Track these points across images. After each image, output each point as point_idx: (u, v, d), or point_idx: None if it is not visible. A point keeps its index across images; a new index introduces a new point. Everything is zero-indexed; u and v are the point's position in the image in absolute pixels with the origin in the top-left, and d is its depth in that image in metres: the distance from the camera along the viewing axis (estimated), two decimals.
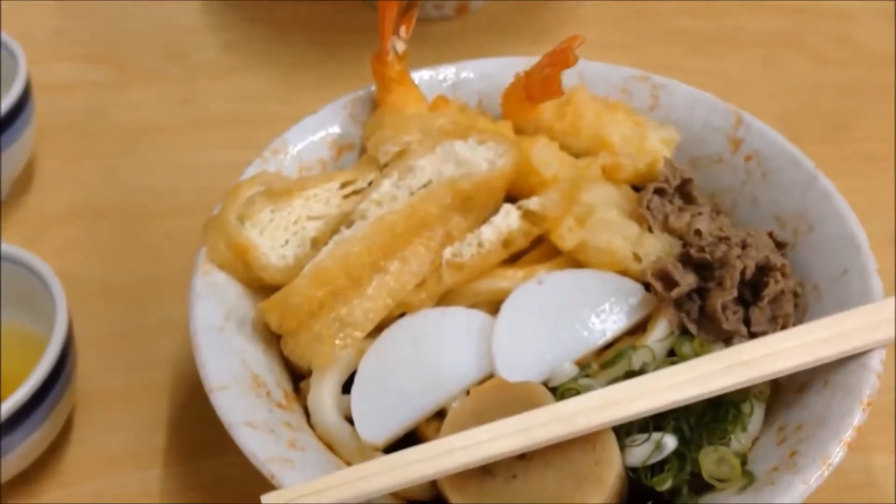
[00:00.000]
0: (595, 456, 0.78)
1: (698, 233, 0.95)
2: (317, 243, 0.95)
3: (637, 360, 0.86)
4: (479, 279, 0.93)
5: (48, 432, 0.95)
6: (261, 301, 0.91)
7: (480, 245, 0.92)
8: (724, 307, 0.88)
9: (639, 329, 0.92)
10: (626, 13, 1.61)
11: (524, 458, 0.79)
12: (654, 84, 1.11)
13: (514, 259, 0.96)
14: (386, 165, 0.99)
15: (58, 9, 1.59)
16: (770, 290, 0.90)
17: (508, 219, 0.94)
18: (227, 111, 1.43)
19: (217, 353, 0.86)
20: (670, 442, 0.81)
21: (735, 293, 0.89)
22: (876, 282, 0.89)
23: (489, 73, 1.13)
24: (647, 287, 0.92)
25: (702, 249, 0.91)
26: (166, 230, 1.23)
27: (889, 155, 1.36)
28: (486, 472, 0.79)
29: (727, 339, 0.89)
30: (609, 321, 0.90)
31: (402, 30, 1.07)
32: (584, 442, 0.78)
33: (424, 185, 0.94)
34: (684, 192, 1.00)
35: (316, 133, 1.06)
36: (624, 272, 0.93)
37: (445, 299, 0.93)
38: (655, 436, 0.81)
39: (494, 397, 0.83)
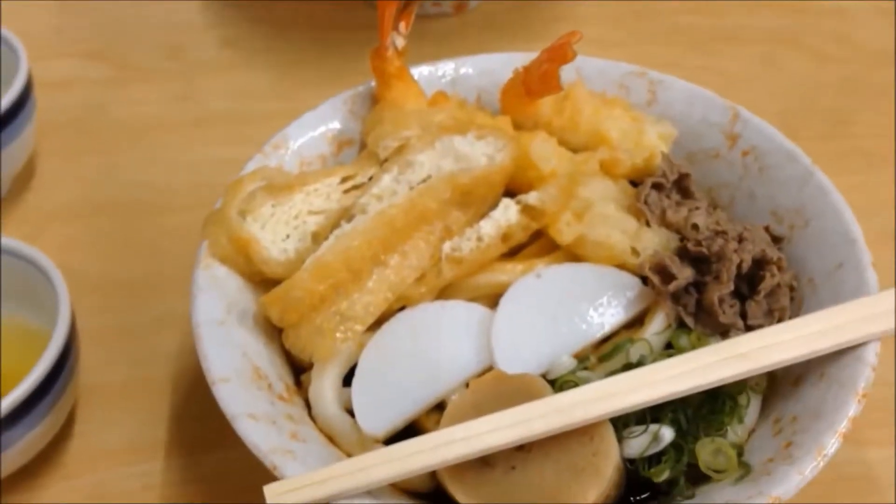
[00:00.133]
0: (593, 447, 0.79)
1: (695, 227, 0.95)
2: (317, 237, 0.95)
3: (635, 352, 0.87)
4: (478, 273, 0.94)
5: (51, 426, 0.95)
6: (262, 295, 0.91)
7: (480, 239, 0.93)
8: (721, 300, 0.89)
9: (636, 322, 0.92)
10: (626, 11, 1.62)
11: (523, 450, 0.79)
12: (651, 80, 1.12)
13: (512, 253, 0.97)
14: (386, 160, 0.99)
15: (57, 6, 1.60)
16: (766, 284, 0.90)
17: (507, 213, 0.94)
18: (226, 108, 1.43)
19: (218, 346, 0.86)
20: (667, 433, 0.81)
21: (732, 287, 0.89)
22: (871, 275, 0.89)
23: (488, 68, 1.13)
24: (645, 281, 0.92)
25: (699, 243, 0.92)
26: (166, 226, 1.24)
27: (888, 152, 1.36)
28: (485, 463, 0.79)
29: (724, 332, 0.89)
30: (607, 314, 0.91)
31: (402, 26, 1.07)
32: (582, 433, 0.79)
33: (424, 180, 0.95)
34: (682, 186, 1.01)
35: (316, 128, 1.07)
36: (622, 266, 0.94)
37: (445, 293, 0.94)
38: (653, 427, 0.81)
39: (493, 389, 0.83)
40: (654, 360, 0.84)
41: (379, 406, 0.87)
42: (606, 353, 0.88)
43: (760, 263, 0.91)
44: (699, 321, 0.90)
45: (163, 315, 1.13)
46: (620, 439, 0.81)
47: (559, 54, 0.99)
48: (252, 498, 0.79)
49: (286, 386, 0.90)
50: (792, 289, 0.93)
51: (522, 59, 1.06)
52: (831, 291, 0.91)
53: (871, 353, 0.83)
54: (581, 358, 0.88)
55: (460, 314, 0.91)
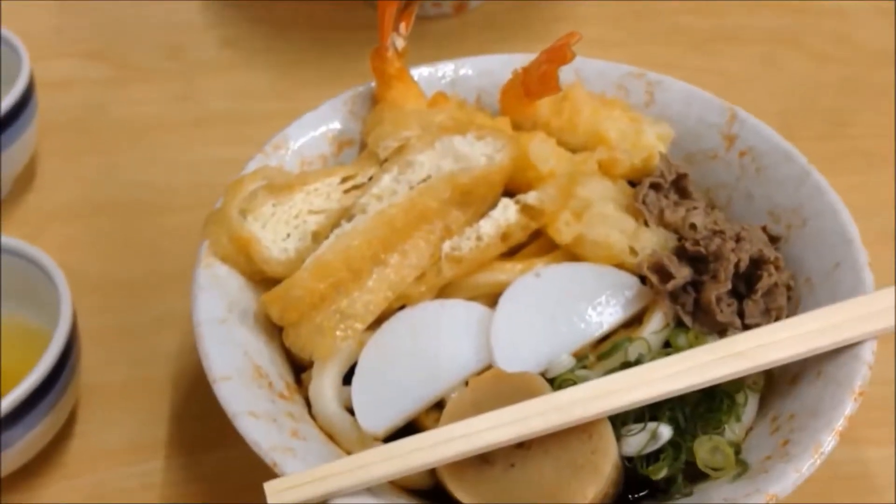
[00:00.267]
0: (592, 445, 0.79)
1: (693, 227, 0.96)
2: (318, 237, 0.96)
3: (633, 351, 0.87)
4: (477, 272, 0.94)
5: (51, 426, 0.95)
6: (262, 293, 0.91)
7: (479, 239, 0.93)
8: (719, 299, 0.89)
9: (635, 321, 0.93)
10: (625, 11, 1.62)
11: (522, 448, 0.80)
12: (649, 81, 1.12)
13: (512, 252, 0.97)
14: (386, 160, 0.99)
15: (58, 6, 1.60)
16: (763, 283, 0.91)
17: (507, 213, 0.95)
18: (226, 108, 1.43)
19: (219, 345, 0.86)
20: (666, 431, 0.82)
21: (729, 286, 0.90)
22: (867, 275, 0.90)
23: (487, 69, 1.14)
24: (643, 280, 0.93)
25: (697, 243, 0.92)
26: (166, 226, 1.24)
27: (888, 152, 1.36)
28: (484, 460, 0.79)
29: (721, 331, 0.90)
30: (605, 313, 0.91)
31: (402, 26, 1.08)
32: (580, 431, 0.79)
33: (424, 180, 0.95)
34: (679, 186, 1.01)
35: (317, 128, 1.07)
36: (620, 265, 0.94)
37: (444, 292, 0.94)
38: (651, 425, 0.82)
39: (493, 388, 0.83)
40: (653, 359, 0.84)
41: (379, 404, 0.87)
42: (605, 352, 0.89)
43: (758, 263, 0.92)
44: (697, 320, 0.90)
45: (163, 315, 1.13)
46: (619, 437, 0.81)
47: (558, 55, 1.00)
48: (252, 496, 0.80)
49: (287, 384, 0.90)
50: (789, 288, 0.94)
51: (522, 60, 1.07)
52: (828, 291, 0.91)
53: (868, 352, 0.83)
54: (580, 356, 0.89)
55: (460, 313, 0.91)
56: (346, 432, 0.87)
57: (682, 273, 0.90)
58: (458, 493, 0.79)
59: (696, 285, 0.91)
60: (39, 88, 1.23)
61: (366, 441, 0.85)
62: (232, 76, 1.49)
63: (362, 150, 1.07)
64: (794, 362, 0.84)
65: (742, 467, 0.81)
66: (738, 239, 0.92)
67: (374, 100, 1.10)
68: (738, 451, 0.83)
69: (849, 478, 1.00)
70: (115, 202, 1.29)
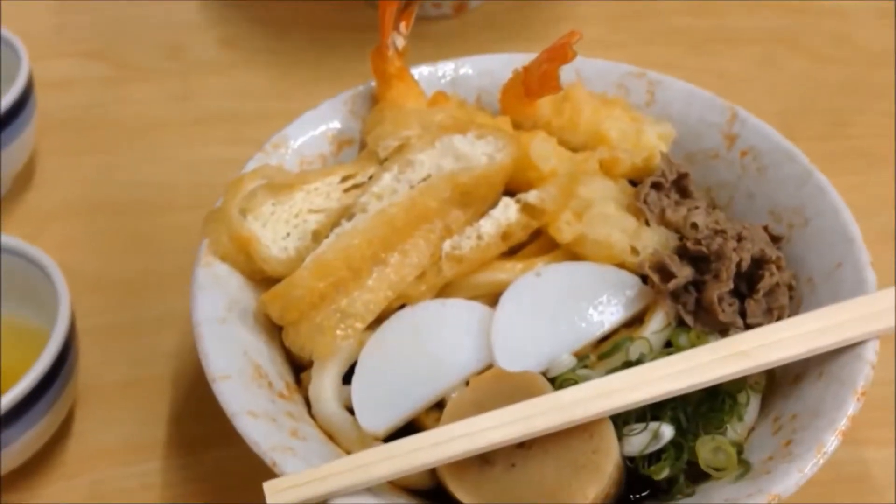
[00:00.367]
0: (593, 445, 0.79)
1: (695, 226, 0.96)
2: (318, 236, 0.95)
3: (634, 351, 0.87)
4: (478, 271, 0.94)
5: (49, 425, 0.95)
6: (262, 293, 0.91)
7: (480, 238, 0.93)
8: (721, 299, 0.89)
9: (636, 321, 0.92)
10: (625, 12, 1.62)
11: (523, 447, 0.79)
12: (650, 80, 1.12)
13: (512, 252, 0.97)
14: (386, 160, 0.99)
15: (57, 6, 1.59)
16: (765, 283, 0.90)
17: (507, 212, 0.95)
18: (226, 108, 1.43)
19: (219, 344, 0.86)
20: (667, 431, 0.81)
21: (731, 285, 0.89)
22: (870, 274, 0.89)
23: (488, 69, 1.14)
24: (645, 279, 0.92)
25: (698, 242, 0.92)
26: (165, 226, 1.24)
27: (888, 152, 1.36)
28: (484, 460, 0.79)
29: (723, 331, 0.89)
30: (607, 313, 0.91)
31: (402, 26, 1.07)
32: (582, 431, 0.79)
33: (424, 179, 0.95)
34: (681, 186, 1.01)
35: (317, 128, 1.07)
36: (621, 265, 0.94)
37: (445, 291, 0.94)
38: (653, 425, 0.82)
39: (493, 387, 0.83)
40: (654, 359, 0.84)
41: (379, 404, 0.87)
42: (606, 352, 0.88)
43: (759, 262, 0.92)
44: (699, 319, 0.90)
45: (162, 314, 1.13)
46: (620, 437, 0.81)
47: (559, 54, 0.99)
48: (252, 496, 0.79)
49: (286, 384, 0.90)
50: (791, 288, 0.93)
51: (522, 59, 1.06)
52: (830, 291, 0.91)
53: (871, 352, 0.83)
54: (581, 356, 0.88)
55: (460, 312, 0.91)
56: (346, 432, 0.86)
57: (684, 272, 0.90)
58: (458, 493, 0.79)
59: (697, 285, 0.91)
60: (39, 88, 1.23)
61: (366, 441, 0.85)
62: (232, 76, 1.49)
63: (362, 149, 1.07)
64: (795, 362, 0.84)
65: (744, 467, 0.81)
66: (739, 238, 0.91)
67: (374, 99, 1.10)
68: (740, 451, 0.83)
69: (849, 478, 1.00)
70: (115, 201, 1.28)
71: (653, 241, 0.94)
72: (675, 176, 1.00)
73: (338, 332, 0.87)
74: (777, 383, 0.89)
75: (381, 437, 0.86)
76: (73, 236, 1.23)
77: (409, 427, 0.87)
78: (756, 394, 0.88)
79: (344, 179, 1.00)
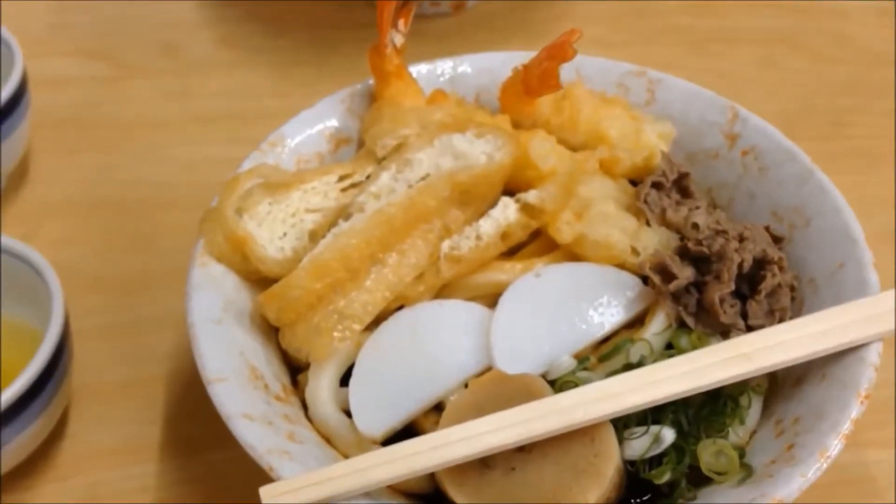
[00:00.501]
0: (594, 449, 0.78)
1: (696, 226, 0.95)
2: (315, 236, 0.95)
3: (635, 353, 0.86)
4: (477, 272, 0.93)
5: (44, 426, 0.94)
6: (258, 293, 0.91)
7: (479, 238, 0.93)
8: (722, 300, 0.88)
9: (637, 322, 0.92)
10: (625, 11, 1.61)
11: (523, 451, 0.79)
12: (650, 79, 1.12)
13: (512, 252, 0.97)
14: (384, 158, 0.99)
15: (55, 5, 1.59)
16: (767, 284, 0.90)
17: (507, 212, 0.94)
18: (223, 106, 1.42)
19: (215, 346, 0.86)
20: (668, 435, 0.81)
21: (732, 286, 0.89)
22: (872, 275, 0.89)
23: (487, 67, 1.13)
24: (645, 280, 0.92)
25: (699, 243, 0.91)
26: (162, 224, 1.23)
27: (887, 152, 1.36)
28: (484, 464, 0.78)
29: (725, 333, 0.89)
30: (607, 314, 0.90)
31: (401, 23, 1.07)
32: (582, 435, 0.78)
33: (422, 179, 0.94)
34: (681, 186, 1.00)
35: (314, 126, 1.07)
36: (622, 265, 0.93)
37: (444, 292, 0.93)
38: (654, 429, 0.81)
39: (493, 390, 0.82)
40: (655, 361, 0.84)
41: (377, 406, 0.86)
42: (606, 354, 0.88)
43: (761, 263, 0.91)
44: (700, 321, 0.89)
45: (159, 314, 1.12)
46: (621, 441, 0.81)
47: (559, 52, 0.99)
48: (248, 499, 0.79)
49: (283, 386, 0.90)
50: (793, 289, 0.93)
51: (521, 57, 1.06)
52: (832, 291, 0.90)
53: (874, 354, 0.82)
54: (581, 358, 0.88)
55: (459, 314, 0.91)
56: (344, 435, 0.86)
57: (685, 273, 0.89)
58: (457, 498, 0.78)
59: (698, 286, 0.90)
60: (36, 86, 1.23)
61: (363, 444, 0.85)
62: (230, 75, 1.48)
63: (360, 148, 1.06)
64: (798, 364, 0.84)
65: (746, 471, 0.80)
66: (741, 239, 0.91)
67: (371, 97, 1.09)
68: (742, 455, 0.82)
69: (850, 480, 0.99)
70: (113, 200, 1.28)
71: (653, 241, 0.94)
72: (675, 176, 1.00)
73: (335, 333, 0.87)
74: (779, 386, 0.89)
75: (378, 441, 0.85)
76: (70, 235, 1.23)
77: (408, 430, 0.87)
78: (758, 396, 0.87)
79: (341, 178, 0.99)
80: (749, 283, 0.91)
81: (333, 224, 0.93)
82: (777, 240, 0.96)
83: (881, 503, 0.98)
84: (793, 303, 0.92)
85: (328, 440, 0.86)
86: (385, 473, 0.76)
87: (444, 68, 1.13)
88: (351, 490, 0.76)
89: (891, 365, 1.04)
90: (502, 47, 1.17)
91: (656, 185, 0.98)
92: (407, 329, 0.90)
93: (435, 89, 1.08)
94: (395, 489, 0.82)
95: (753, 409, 0.86)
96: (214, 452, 0.99)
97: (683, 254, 0.92)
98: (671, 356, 0.83)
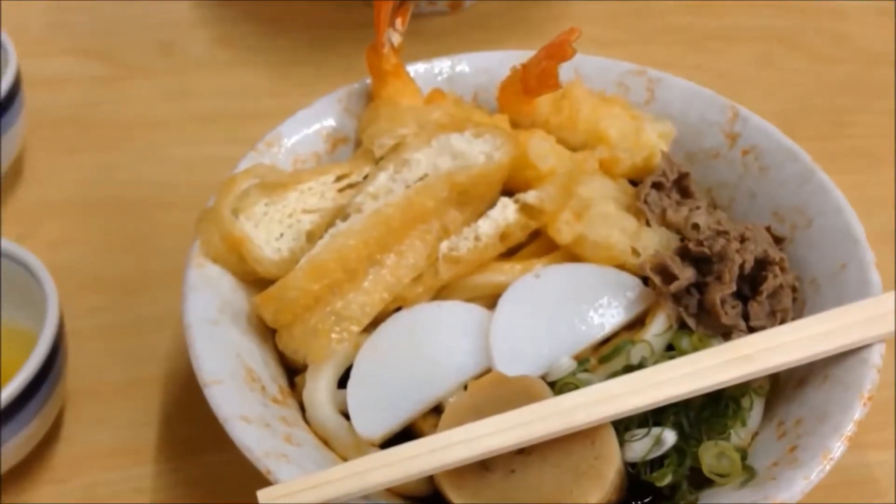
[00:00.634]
0: (594, 451, 0.77)
1: (696, 227, 0.95)
2: (312, 236, 0.94)
3: (636, 354, 0.86)
4: (476, 273, 0.93)
5: (39, 428, 0.94)
6: (255, 294, 0.90)
7: (477, 239, 0.92)
8: (723, 301, 0.88)
9: (637, 323, 0.91)
10: (623, 10, 1.61)
11: (523, 453, 0.78)
12: (650, 78, 1.11)
13: (511, 253, 0.96)
14: (381, 158, 0.98)
15: (52, 4, 1.58)
16: (769, 285, 0.89)
17: (505, 212, 0.94)
18: (220, 106, 1.42)
19: (211, 347, 0.85)
20: (670, 437, 0.80)
21: (734, 287, 0.88)
22: (874, 275, 0.89)
23: (485, 66, 1.13)
24: (645, 281, 0.91)
25: (700, 243, 0.91)
26: (159, 224, 1.23)
27: (887, 152, 1.36)
28: (484, 467, 0.78)
29: (726, 334, 0.88)
30: (607, 315, 0.90)
31: (398, 22, 1.06)
32: (583, 437, 0.78)
33: (420, 179, 0.94)
34: (682, 186, 1.00)
35: (310, 126, 1.06)
36: (622, 266, 0.93)
37: (442, 293, 0.93)
38: (655, 430, 0.80)
39: (492, 392, 0.82)
40: (656, 362, 0.83)
41: (375, 409, 0.85)
42: (607, 355, 0.87)
43: (762, 264, 0.91)
44: (701, 322, 0.89)
45: (156, 314, 1.12)
46: (622, 443, 0.80)
47: (558, 51, 0.98)
48: (246, 502, 0.78)
49: (280, 388, 0.89)
50: (794, 290, 0.92)
51: (519, 56, 1.05)
52: (834, 292, 0.90)
53: (877, 355, 0.82)
54: (581, 359, 0.87)
55: (458, 315, 0.90)
56: (342, 437, 0.85)
57: (686, 274, 0.89)
58: (456, 501, 0.77)
59: (699, 287, 0.90)
60: (32, 85, 1.22)
61: (362, 447, 0.84)
62: (226, 74, 1.48)
63: (357, 147, 1.05)
64: (800, 366, 0.83)
65: (749, 473, 0.80)
66: (742, 239, 0.90)
67: (369, 96, 1.09)
68: (744, 457, 0.82)
69: (851, 481, 0.99)
70: (110, 200, 1.27)
71: (654, 241, 0.93)
72: (675, 175, 0.99)
73: (333, 335, 0.86)
74: (781, 387, 0.88)
75: (377, 443, 0.84)
76: (67, 235, 1.22)
77: (406, 432, 0.86)
78: (760, 398, 0.87)
79: (338, 179, 0.98)
80: (750, 283, 0.90)
81: (331, 225, 0.92)
82: (778, 240, 0.96)
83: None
84: (794, 304, 0.92)
85: (326, 442, 0.86)
86: (384, 476, 0.76)
87: (441, 67, 1.13)
88: (349, 493, 0.75)
89: (891, 366, 1.03)
90: (499, 46, 1.16)
91: (656, 186, 0.98)
92: (405, 330, 0.89)
93: (433, 89, 1.08)
94: (394, 492, 0.82)
95: (755, 410, 0.86)
96: (211, 455, 0.99)
97: (684, 254, 0.91)
98: (672, 357, 0.83)
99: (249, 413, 0.81)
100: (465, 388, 0.85)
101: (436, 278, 0.91)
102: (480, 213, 0.94)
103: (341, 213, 0.94)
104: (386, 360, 0.88)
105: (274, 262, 0.92)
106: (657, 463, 0.81)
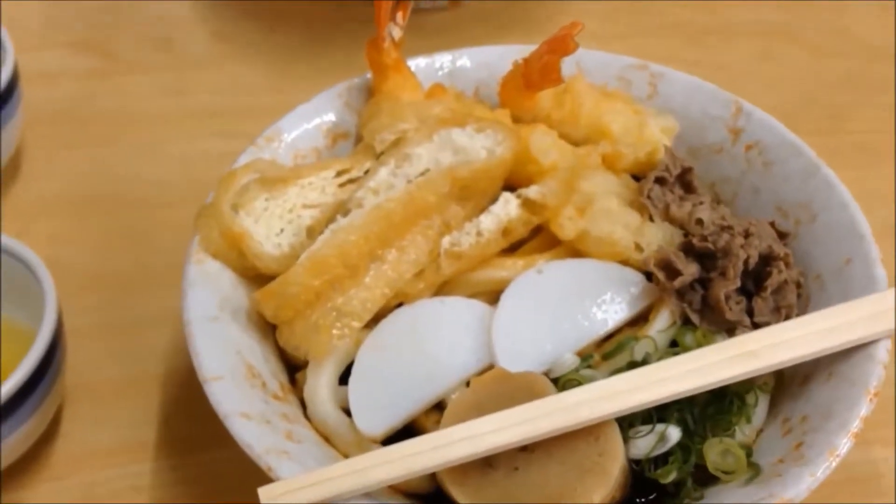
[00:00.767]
0: (598, 448, 0.77)
1: (700, 222, 0.94)
2: (312, 232, 0.94)
3: (639, 350, 0.86)
4: (478, 269, 0.92)
5: (37, 425, 0.93)
6: (255, 290, 0.89)
7: (479, 234, 0.92)
8: (727, 297, 0.88)
9: (640, 319, 0.91)
10: (623, 5, 1.61)
11: (526, 450, 0.78)
12: (652, 73, 1.11)
13: (513, 248, 0.96)
14: (382, 153, 0.98)
15: None
16: (773, 280, 0.89)
17: (508, 207, 0.93)
18: (218, 101, 1.41)
19: (211, 343, 0.85)
20: (674, 433, 0.80)
21: (738, 283, 0.88)
22: (880, 271, 0.88)
23: (486, 61, 1.12)
24: (649, 277, 0.91)
25: (704, 239, 0.90)
26: (157, 220, 1.22)
27: (887, 147, 1.35)
28: (487, 464, 0.78)
29: (730, 330, 0.88)
30: (610, 311, 0.89)
31: (399, 17, 1.06)
32: (587, 433, 0.77)
33: (422, 174, 0.93)
34: (685, 181, 1.00)
35: (311, 121, 1.05)
36: (625, 262, 0.93)
37: (444, 289, 0.92)
38: (659, 427, 0.80)
39: (495, 388, 0.81)
40: (659, 358, 0.83)
41: (376, 405, 0.85)
42: (610, 351, 0.87)
43: (767, 259, 0.90)
44: (705, 318, 0.88)
45: (155, 311, 1.11)
46: (626, 439, 0.80)
47: (560, 46, 0.98)
48: (246, 499, 0.78)
49: (281, 384, 0.89)
50: (799, 285, 0.92)
51: (520, 51, 1.05)
52: (839, 288, 0.89)
53: (883, 351, 0.81)
54: (584, 356, 0.87)
55: (460, 311, 0.90)
56: (343, 434, 0.85)
57: (690, 270, 0.88)
58: (459, 498, 0.77)
59: (703, 282, 0.89)
60: (28, 80, 1.22)
61: (363, 444, 0.84)
62: (224, 69, 1.47)
63: (358, 142, 1.05)
64: (804, 362, 0.83)
65: (754, 470, 0.79)
66: (746, 235, 0.90)
67: (369, 91, 1.08)
68: (749, 454, 0.81)
69: (856, 478, 0.98)
70: (105, 195, 1.27)
71: (657, 237, 0.93)
72: (679, 170, 0.99)
73: (334, 331, 0.86)
74: (786, 383, 0.88)
75: (378, 440, 0.84)
76: (65, 232, 1.22)
77: (408, 429, 0.86)
78: (764, 395, 0.86)
79: (339, 174, 0.98)
80: (755, 279, 0.90)
81: (331, 220, 0.92)
82: (782, 235, 0.96)
83: (885, 502, 0.97)
84: (799, 299, 0.91)
85: (327, 439, 0.85)
86: (385, 473, 0.75)
87: (442, 62, 1.12)
88: (351, 490, 0.75)
89: (890, 364, 1.03)
90: (500, 41, 1.16)
91: (659, 181, 0.97)
92: (407, 326, 0.89)
93: (433, 83, 1.07)
94: (396, 489, 0.81)
95: (760, 407, 0.85)
96: (211, 452, 0.98)
97: (688, 250, 0.91)
98: (676, 354, 0.82)
99: (250, 410, 0.80)
100: (468, 384, 0.85)
101: (437, 274, 0.91)
102: (482, 209, 0.94)
103: (342, 209, 0.93)
104: (387, 356, 0.87)
105: (274, 258, 0.92)
106: (661, 460, 0.80)
